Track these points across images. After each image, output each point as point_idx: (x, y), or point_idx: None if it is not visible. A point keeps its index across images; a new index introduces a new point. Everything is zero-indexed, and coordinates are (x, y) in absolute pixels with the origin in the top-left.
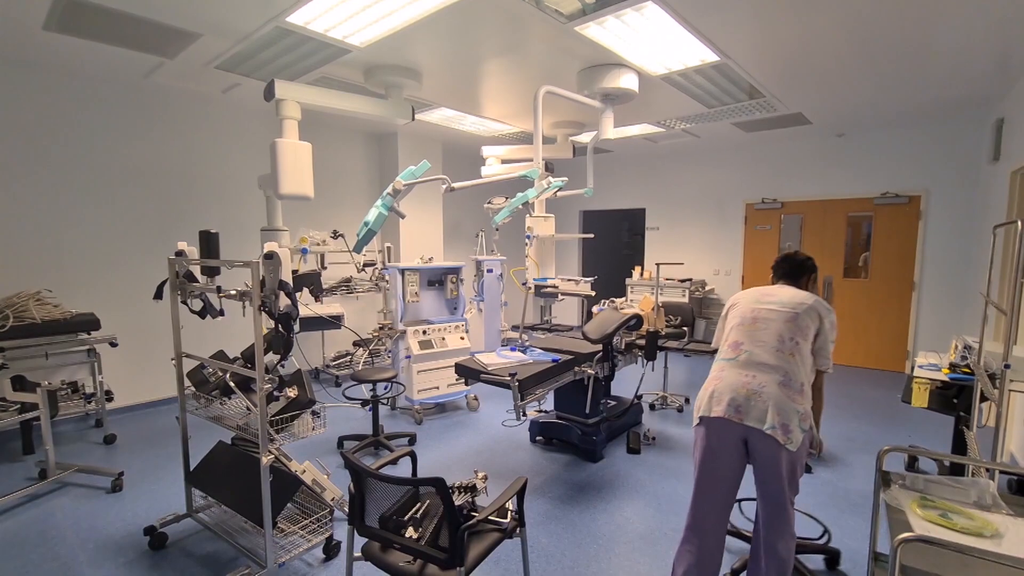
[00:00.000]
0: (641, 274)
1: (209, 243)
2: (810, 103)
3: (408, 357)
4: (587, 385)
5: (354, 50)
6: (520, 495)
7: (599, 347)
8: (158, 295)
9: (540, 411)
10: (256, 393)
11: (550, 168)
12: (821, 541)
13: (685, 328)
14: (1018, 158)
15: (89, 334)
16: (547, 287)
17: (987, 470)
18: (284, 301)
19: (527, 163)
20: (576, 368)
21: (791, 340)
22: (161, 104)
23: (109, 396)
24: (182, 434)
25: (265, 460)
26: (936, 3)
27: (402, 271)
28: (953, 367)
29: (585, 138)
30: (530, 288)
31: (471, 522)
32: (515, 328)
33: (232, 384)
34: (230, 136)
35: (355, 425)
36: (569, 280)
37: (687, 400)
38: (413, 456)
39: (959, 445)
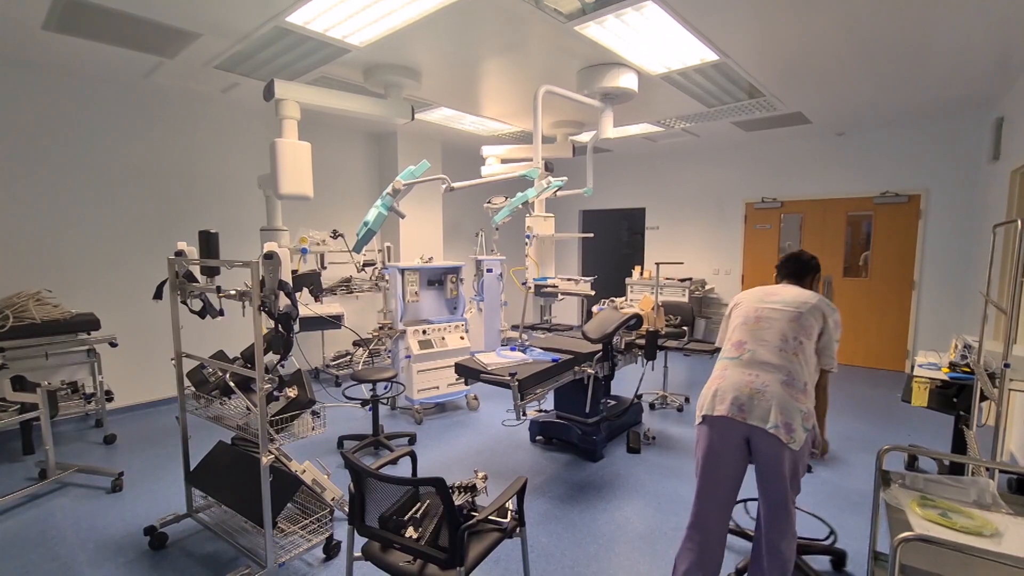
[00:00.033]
0: (641, 273)
1: (209, 243)
2: (810, 102)
3: (408, 357)
4: (587, 385)
5: (353, 50)
6: (520, 495)
7: (599, 347)
8: (158, 295)
9: (540, 411)
10: (256, 393)
11: (550, 168)
12: (827, 542)
13: (685, 327)
14: (1018, 157)
15: (89, 334)
16: (547, 287)
17: (987, 469)
18: (284, 301)
19: (527, 163)
20: (576, 368)
21: (794, 339)
22: (161, 104)
23: (109, 396)
24: (182, 434)
25: (265, 460)
26: (936, 3)
27: (402, 271)
28: (953, 366)
29: (585, 137)
30: (530, 288)
31: (471, 522)
32: (515, 328)
33: (232, 384)
34: (230, 136)
35: (355, 425)
36: (569, 280)
37: (687, 399)
38: (413, 456)
39: (959, 444)
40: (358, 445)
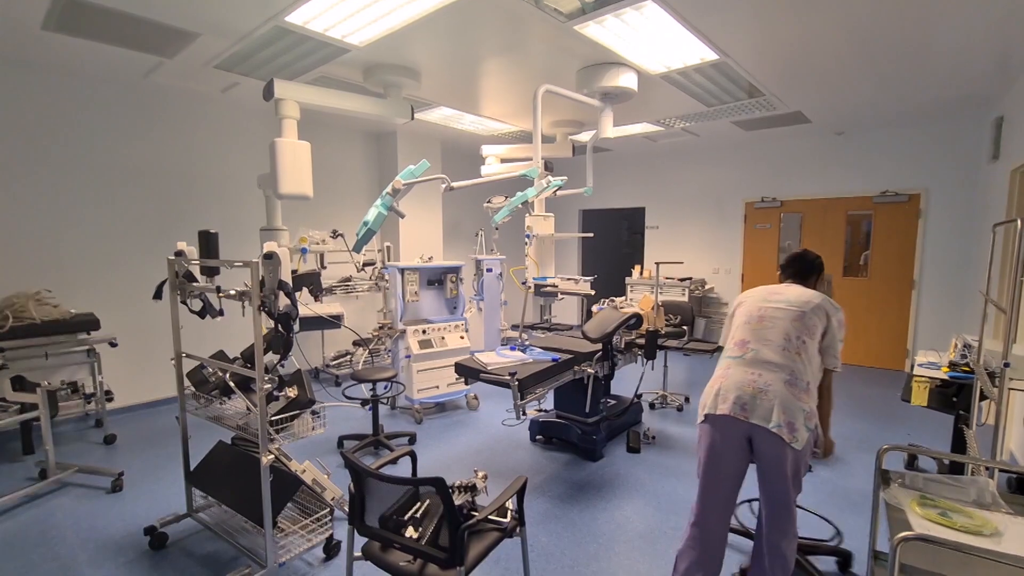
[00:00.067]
0: (641, 273)
1: (208, 243)
2: (810, 102)
3: (408, 356)
4: (587, 384)
5: (353, 49)
6: (520, 494)
7: (599, 346)
8: (157, 295)
9: (540, 410)
10: (256, 393)
11: (549, 167)
12: (832, 543)
13: (685, 327)
14: (1018, 156)
15: (89, 334)
16: (547, 286)
17: (987, 468)
18: (284, 301)
19: (526, 162)
20: (576, 367)
21: (797, 339)
22: (160, 104)
23: (109, 396)
24: (182, 434)
25: (265, 460)
26: (935, 3)
27: (402, 270)
28: (953, 365)
29: (584, 137)
30: (530, 287)
31: (471, 521)
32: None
33: (232, 384)
34: (229, 136)
35: (355, 425)
36: (569, 279)
37: (687, 399)
38: (413, 455)
39: (958, 444)
40: (358, 445)
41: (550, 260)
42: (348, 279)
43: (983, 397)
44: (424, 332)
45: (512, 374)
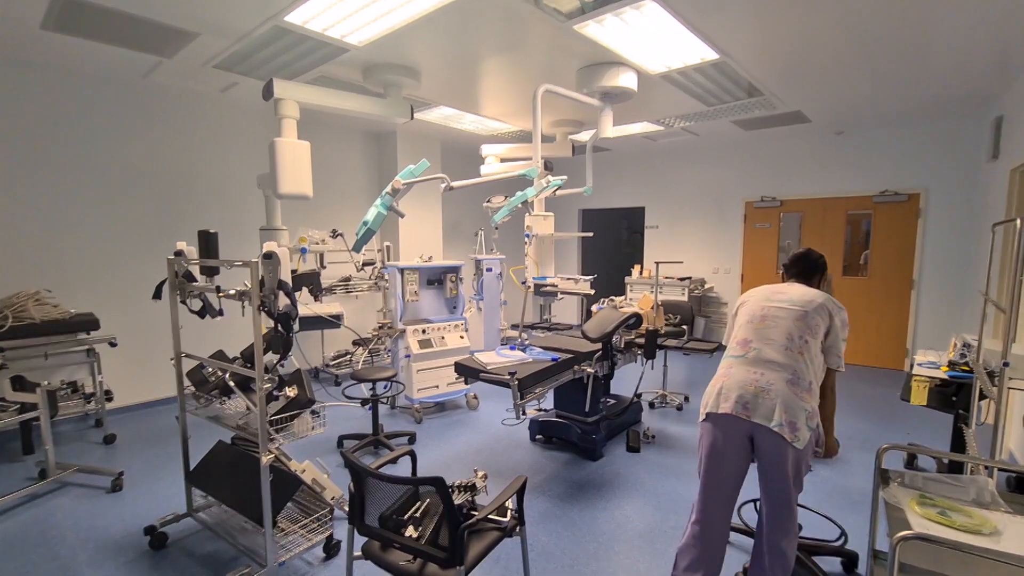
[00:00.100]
0: (640, 272)
1: (208, 243)
2: (809, 101)
3: (408, 356)
4: (586, 384)
5: (352, 49)
6: (520, 494)
7: (598, 346)
8: (157, 295)
9: (540, 410)
10: (256, 393)
11: (549, 167)
12: (837, 543)
13: (684, 326)
14: (1017, 156)
15: (88, 334)
16: (546, 286)
17: (986, 468)
18: (283, 301)
19: (526, 162)
20: (576, 367)
21: (800, 338)
22: (160, 103)
23: (109, 396)
24: (182, 434)
25: (265, 459)
26: (935, 2)
27: (401, 270)
28: (952, 365)
29: (584, 137)
30: (529, 287)
31: (471, 521)
32: (514, 327)
33: (232, 384)
34: (229, 135)
35: (355, 424)
36: (568, 279)
37: (686, 398)
38: (413, 455)
39: (958, 443)
40: (358, 444)
41: (550, 260)
42: (348, 279)
43: (982, 396)
44: (424, 332)
45: (512, 374)
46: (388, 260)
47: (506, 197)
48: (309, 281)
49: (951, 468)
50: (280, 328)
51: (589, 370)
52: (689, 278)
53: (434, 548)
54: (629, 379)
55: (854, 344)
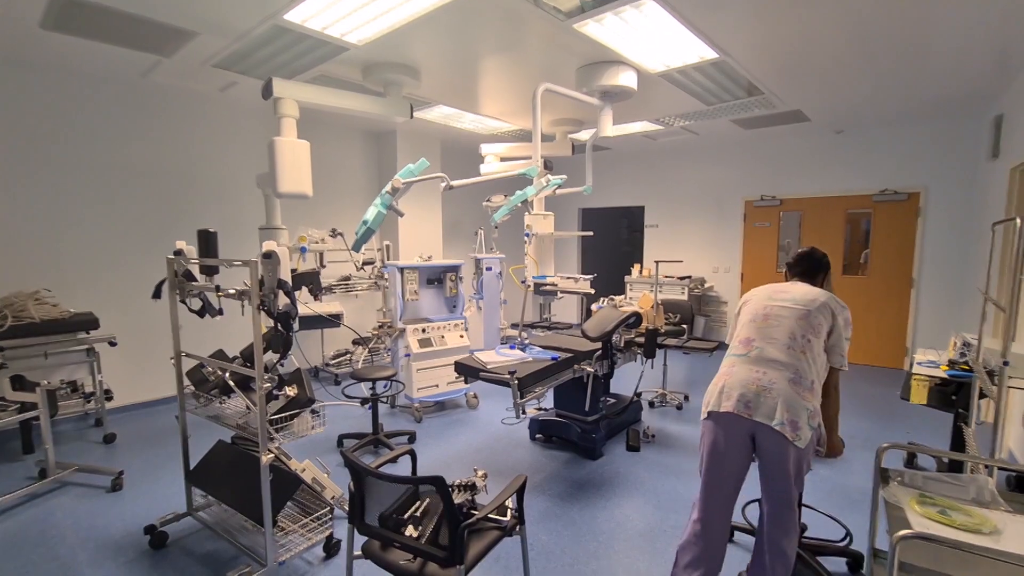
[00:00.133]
0: (640, 272)
1: (208, 242)
2: (809, 100)
3: (407, 355)
4: (586, 383)
5: (352, 48)
6: (520, 493)
7: (598, 345)
8: (156, 294)
9: (539, 409)
10: (255, 392)
11: (549, 166)
12: (842, 543)
13: (684, 325)
14: (1017, 155)
15: (88, 333)
16: (546, 285)
17: (986, 467)
18: (283, 300)
19: (526, 161)
20: (575, 366)
21: (802, 337)
22: (159, 103)
23: (108, 395)
24: (181, 433)
25: (265, 459)
26: (935, 1)
27: (401, 269)
28: (952, 364)
29: (584, 136)
30: (529, 286)
31: (471, 520)
32: (514, 326)
33: (231, 383)
34: (228, 135)
35: (355, 423)
36: (568, 278)
37: (686, 397)
38: (413, 454)
39: (958, 442)
40: (358, 444)
41: (549, 259)
42: (347, 278)
43: (982, 395)
44: (424, 331)
45: (512, 373)
46: (388, 259)
47: (506, 196)
48: (309, 280)
49: (951, 467)
50: (280, 327)
51: (589, 369)
52: (689, 277)
53: (434, 547)
54: (629, 378)
55: (854, 343)
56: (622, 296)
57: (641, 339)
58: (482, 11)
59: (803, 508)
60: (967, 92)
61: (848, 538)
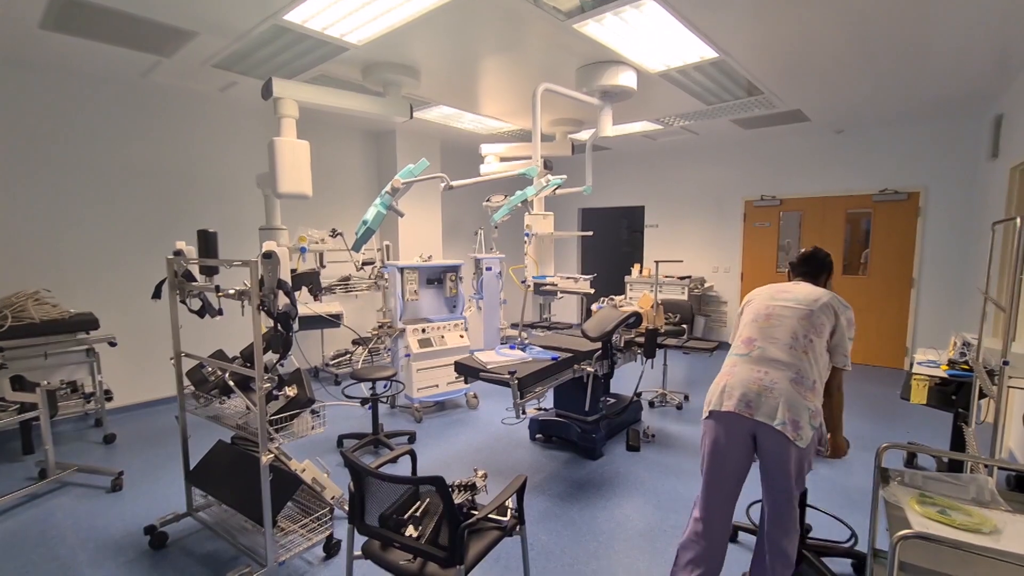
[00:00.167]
0: (640, 272)
1: (207, 242)
2: (809, 100)
3: (407, 355)
4: (586, 383)
5: (352, 48)
6: (520, 493)
7: (598, 345)
8: (156, 294)
9: (539, 409)
10: (255, 392)
11: (549, 166)
12: (848, 544)
13: (684, 325)
14: (1017, 154)
15: (88, 334)
16: (546, 285)
17: (986, 466)
18: (283, 300)
19: (526, 161)
20: (575, 366)
21: (805, 337)
22: (159, 103)
23: (108, 396)
24: (181, 433)
25: (265, 459)
26: (935, 1)
27: (401, 269)
28: (952, 364)
29: (584, 136)
30: (529, 286)
31: (471, 520)
32: (514, 326)
33: (231, 383)
34: (228, 135)
35: (355, 424)
36: (568, 278)
37: (686, 397)
38: (413, 454)
39: (958, 442)
40: (358, 444)
41: (549, 259)
42: (347, 278)
43: (982, 395)
44: (423, 331)
45: (512, 373)
46: (388, 259)
47: (506, 196)
48: (309, 280)
49: (951, 467)
50: (280, 327)
51: (589, 369)
52: (689, 277)
53: (434, 547)
54: (629, 378)
55: (854, 342)
56: (622, 296)
57: (641, 339)
58: (482, 11)
59: (808, 508)
60: (967, 92)
61: (853, 539)
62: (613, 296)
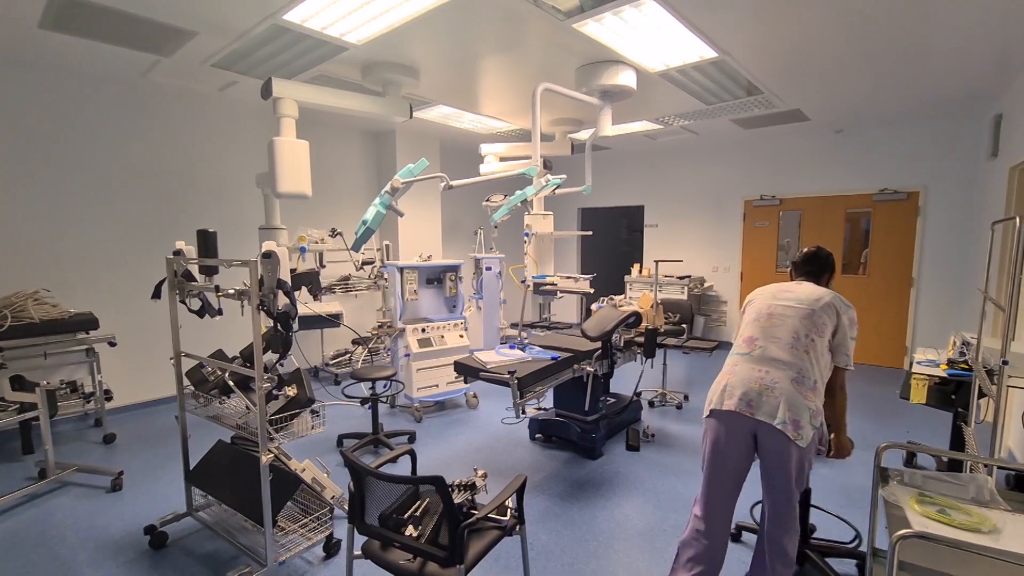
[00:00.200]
0: (640, 271)
1: (207, 242)
2: (809, 100)
3: (407, 355)
4: (586, 383)
5: (351, 48)
6: (520, 493)
7: (598, 344)
8: (156, 294)
9: (539, 409)
10: (255, 392)
11: (548, 166)
12: (852, 545)
13: (684, 325)
14: (1016, 154)
15: (87, 333)
16: (546, 285)
17: (985, 466)
18: (283, 300)
19: (525, 161)
20: (575, 366)
21: (806, 337)
22: (158, 103)
23: (108, 395)
24: (181, 433)
25: (265, 459)
26: (935, 1)
27: (401, 269)
28: (951, 363)
29: (584, 135)
30: (529, 286)
31: (471, 520)
32: (514, 326)
33: (231, 383)
34: (228, 134)
35: (354, 423)
36: (568, 278)
37: (686, 397)
38: (413, 454)
39: (957, 441)
40: (358, 443)
41: (549, 258)
42: (347, 278)
43: (981, 395)
44: (423, 331)
45: (511, 372)
46: (387, 259)
47: (505, 196)
48: (308, 280)
49: (950, 466)
50: (279, 327)
51: (589, 369)
52: (688, 277)
53: (434, 547)
54: (629, 378)
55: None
56: (622, 296)
57: (641, 339)
58: (481, 11)
59: (812, 508)
60: (967, 92)
61: (857, 539)
62: (613, 296)
